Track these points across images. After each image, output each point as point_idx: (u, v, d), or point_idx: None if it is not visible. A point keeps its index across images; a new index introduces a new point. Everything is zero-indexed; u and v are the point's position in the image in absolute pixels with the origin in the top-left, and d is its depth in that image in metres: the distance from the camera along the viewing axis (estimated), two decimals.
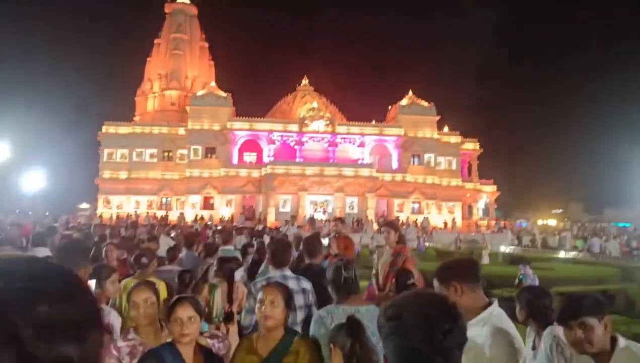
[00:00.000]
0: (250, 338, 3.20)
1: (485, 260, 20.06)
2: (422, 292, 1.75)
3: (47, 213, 29.35)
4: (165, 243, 9.29)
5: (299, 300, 3.92)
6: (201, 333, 3.33)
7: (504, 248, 27.41)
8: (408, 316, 1.38)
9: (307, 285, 4.23)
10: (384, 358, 1.43)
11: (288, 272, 4.36)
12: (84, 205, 54.88)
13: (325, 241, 7.41)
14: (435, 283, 2.59)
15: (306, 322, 3.79)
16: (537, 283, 12.08)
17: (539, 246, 30.33)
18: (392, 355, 1.39)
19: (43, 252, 5.91)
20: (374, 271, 6.58)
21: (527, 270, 11.99)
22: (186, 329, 2.88)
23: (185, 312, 2.94)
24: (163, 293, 4.20)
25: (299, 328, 3.70)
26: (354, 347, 2.47)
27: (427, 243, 27.27)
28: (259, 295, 3.18)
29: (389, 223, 6.78)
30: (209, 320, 4.55)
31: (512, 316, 2.97)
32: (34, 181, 42.37)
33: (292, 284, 3.90)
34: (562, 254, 24.42)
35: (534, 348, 3.40)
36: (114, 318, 3.81)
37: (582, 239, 28.56)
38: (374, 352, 2.48)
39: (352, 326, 2.56)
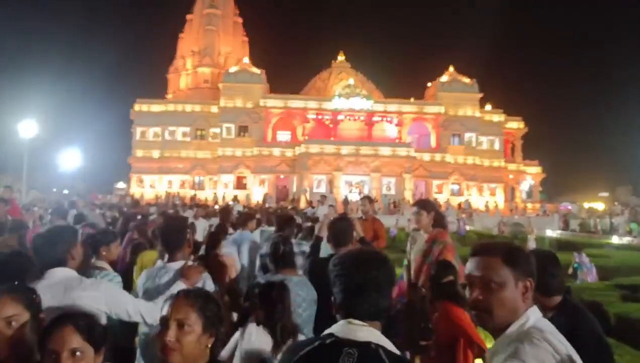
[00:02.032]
0: None
1: (532, 245, 18.39)
2: (362, 248, 2.36)
3: (66, 191, 28.96)
4: (201, 227, 8.95)
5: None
6: None
7: (551, 233, 25.54)
8: (349, 261, 1.86)
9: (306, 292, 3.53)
10: (332, 298, 1.86)
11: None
12: (121, 184, 55.24)
13: None
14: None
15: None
16: (594, 273, 10.51)
17: (597, 230, 28.23)
18: (339, 291, 1.84)
19: (61, 223, 6.37)
20: (405, 261, 5.43)
21: (583, 258, 10.43)
22: None
23: (68, 342, 1.84)
24: None
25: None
26: (277, 306, 2.91)
27: (467, 227, 25.53)
28: (163, 311, 1.98)
29: (421, 202, 5.39)
30: None
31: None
32: (71, 160, 42.55)
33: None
34: (615, 239, 22.44)
35: None
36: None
37: (637, 223, 26.34)
38: (292, 314, 3.03)
39: (279, 289, 2.99)
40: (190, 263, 3.52)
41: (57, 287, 2.71)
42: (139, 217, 9.03)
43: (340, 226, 4.15)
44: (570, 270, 10.47)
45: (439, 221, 5.15)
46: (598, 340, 2.40)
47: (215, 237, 6.06)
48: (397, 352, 1.76)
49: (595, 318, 2.50)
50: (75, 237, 3.18)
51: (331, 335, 1.76)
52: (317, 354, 1.73)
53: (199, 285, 3.31)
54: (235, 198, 39.25)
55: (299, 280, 3.61)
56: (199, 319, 1.94)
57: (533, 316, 1.71)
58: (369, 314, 1.78)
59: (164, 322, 1.93)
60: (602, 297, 8.07)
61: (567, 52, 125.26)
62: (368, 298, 1.78)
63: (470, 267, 1.81)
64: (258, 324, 2.97)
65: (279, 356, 2.68)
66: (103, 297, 2.75)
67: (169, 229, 3.68)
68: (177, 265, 3.45)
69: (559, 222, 30.41)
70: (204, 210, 12.34)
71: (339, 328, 1.77)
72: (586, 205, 59.54)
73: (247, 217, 7.95)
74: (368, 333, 1.74)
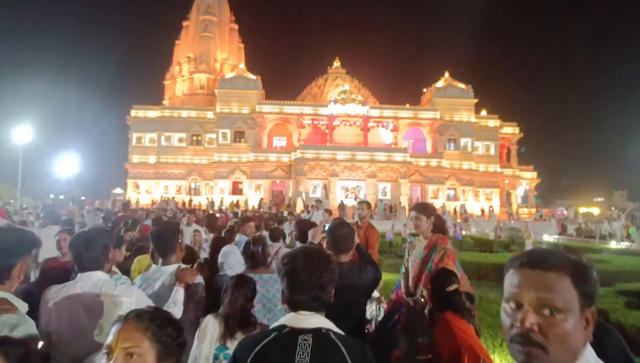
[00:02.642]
0: None
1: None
2: (309, 247, 2.36)
3: (62, 197, 28.92)
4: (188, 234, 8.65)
5: None
6: None
7: (548, 238, 25.52)
8: (298, 261, 2.05)
9: None
10: (282, 292, 2.07)
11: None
12: (118, 190, 55.13)
13: None
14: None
15: None
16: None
17: (595, 235, 28.23)
18: (286, 287, 2.03)
19: (54, 229, 6.35)
20: (402, 268, 5.05)
21: None
22: None
23: None
24: None
25: None
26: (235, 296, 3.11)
27: (464, 231, 25.50)
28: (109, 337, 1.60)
29: (420, 206, 4.91)
30: None
31: None
32: (68, 166, 42.49)
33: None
34: (613, 244, 22.43)
35: None
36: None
37: (636, 228, 26.34)
38: (250, 306, 3.18)
39: (239, 281, 3.22)
40: (183, 266, 3.55)
41: (92, 290, 2.70)
42: (130, 220, 8.97)
43: (341, 232, 3.83)
44: None
45: (439, 226, 4.81)
46: (624, 355, 2.25)
47: (220, 242, 6.07)
48: (343, 333, 1.98)
49: (617, 332, 2.32)
50: (111, 240, 3.12)
51: (284, 326, 1.94)
52: (275, 345, 1.89)
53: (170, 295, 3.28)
54: (236, 204, 39.29)
55: (270, 277, 3.86)
56: (152, 347, 1.58)
57: (592, 359, 1.28)
58: (314, 307, 2.00)
59: (109, 351, 1.55)
60: (606, 304, 7.94)
61: (562, 58, 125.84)
62: (313, 293, 2.00)
63: (520, 282, 1.28)
64: (216, 315, 3.12)
65: (230, 345, 2.91)
66: (135, 303, 2.68)
67: (162, 233, 3.69)
68: (172, 268, 3.51)
69: (556, 227, 30.45)
70: (195, 216, 12.25)
71: (290, 319, 1.97)
72: (582, 210, 59.75)
73: (244, 221, 7.86)
74: (317, 320, 1.97)
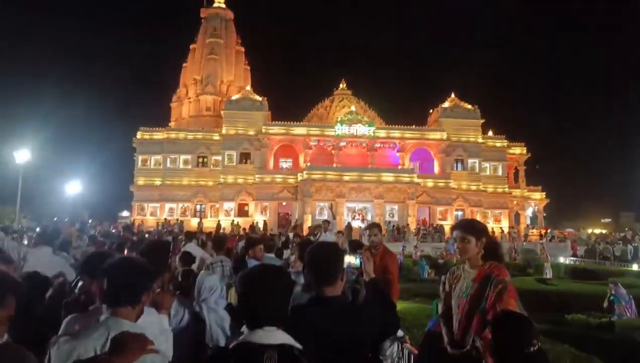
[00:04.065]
0: None
1: (548, 273, 17.74)
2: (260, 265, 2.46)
3: (67, 219, 28.66)
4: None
5: None
6: None
7: (563, 260, 24.90)
8: (252, 279, 2.20)
9: None
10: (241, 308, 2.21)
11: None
12: (125, 213, 54.95)
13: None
14: None
15: None
16: (633, 306, 9.87)
17: (612, 257, 27.54)
18: (246, 304, 2.16)
19: (46, 250, 6.45)
20: (437, 306, 4.22)
21: (619, 289, 9.80)
22: None
23: None
24: None
25: None
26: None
27: None
28: None
29: (467, 225, 3.73)
30: None
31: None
32: (72, 188, 42.28)
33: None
34: (635, 267, 21.80)
35: None
36: None
37: None
38: None
39: None
40: (158, 290, 3.20)
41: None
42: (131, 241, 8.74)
43: (321, 252, 2.82)
44: (605, 304, 9.78)
45: (492, 251, 3.62)
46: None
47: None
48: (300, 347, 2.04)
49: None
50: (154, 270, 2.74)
51: (248, 342, 2.02)
52: (242, 361, 1.96)
53: (156, 323, 2.84)
54: (237, 225, 38.82)
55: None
56: None
57: None
58: (274, 319, 2.09)
59: None
60: None
61: (568, 78, 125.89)
62: (272, 306, 2.10)
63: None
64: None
65: None
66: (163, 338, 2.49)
67: (149, 255, 3.45)
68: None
69: (570, 249, 29.77)
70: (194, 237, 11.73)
71: (254, 334, 2.04)
72: (589, 231, 59.00)
73: (252, 244, 7.31)
74: (280, 336, 2.05)
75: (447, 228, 42.30)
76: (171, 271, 3.50)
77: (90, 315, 2.73)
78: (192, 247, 8.67)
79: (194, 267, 6.96)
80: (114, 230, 26.35)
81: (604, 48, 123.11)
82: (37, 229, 17.96)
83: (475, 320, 3.38)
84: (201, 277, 5.11)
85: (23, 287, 2.37)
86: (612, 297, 9.68)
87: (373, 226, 6.17)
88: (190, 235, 11.26)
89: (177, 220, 43.34)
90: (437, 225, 43.53)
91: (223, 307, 5.01)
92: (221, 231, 32.64)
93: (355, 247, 5.84)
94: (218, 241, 7.91)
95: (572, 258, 26.79)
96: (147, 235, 14.18)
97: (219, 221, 42.68)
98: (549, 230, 46.10)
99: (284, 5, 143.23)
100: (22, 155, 27.20)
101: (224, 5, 60.00)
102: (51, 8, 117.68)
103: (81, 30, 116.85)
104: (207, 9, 59.48)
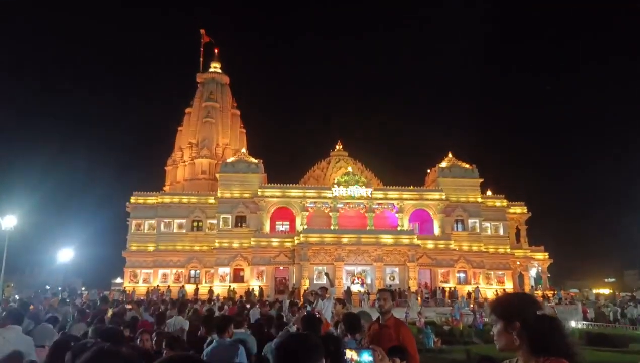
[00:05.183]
0: None
1: None
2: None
3: (48, 287, 27.54)
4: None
5: None
6: None
7: (575, 324, 23.55)
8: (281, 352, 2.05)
9: None
10: None
11: None
12: (119, 280, 53.70)
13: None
14: None
15: None
16: None
17: (622, 321, 26.16)
18: None
19: (14, 331, 5.89)
20: None
21: None
22: None
23: None
24: None
25: None
26: None
27: (485, 319, 23.44)
28: None
29: (493, 301, 2.52)
30: None
31: None
32: (65, 255, 41.26)
33: None
34: None
35: None
36: None
37: None
38: None
39: None
40: None
41: None
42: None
43: (293, 348, 2.10)
44: None
45: (542, 340, 2.19)
46: None
47: None
48: None
49: None
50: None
51: None
52: None
53: None
54: (233, 291, 37.40)
55: None
56: None
57: None
58: None
59: None
60: None
61: (566, 136, 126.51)
62: None
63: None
64: None
65: None
66: None
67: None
68: None
69: (581, 312, 28.39)
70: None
71: None
72: (594, 291, 57.48)
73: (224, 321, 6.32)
74: None
75: (445, 289, 40.97)
76: None
77: None
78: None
79: None
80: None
81: (603, 102, 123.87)
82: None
83: None
84: None
85: None
86: None
87: (384, 291, 5.69)
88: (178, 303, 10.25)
89: (168, 287, 41.83)
90: (451, 289, 41.92)
91: None
92: (213, 298, 31.32)
93: (353, 326, 4.98)
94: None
95: (583, 322, 25.41)
96: (128, 307, 13.09)
97: (210, 287, 41.34)
98: (555, 292, 44.61)
99: (280, 69, 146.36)
100: (8, 221, 26.39)
101: (219, 70, 60.88)
102: (43, 70, 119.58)
103: (74, 93, 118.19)
104: (203, 73, 60.37)
